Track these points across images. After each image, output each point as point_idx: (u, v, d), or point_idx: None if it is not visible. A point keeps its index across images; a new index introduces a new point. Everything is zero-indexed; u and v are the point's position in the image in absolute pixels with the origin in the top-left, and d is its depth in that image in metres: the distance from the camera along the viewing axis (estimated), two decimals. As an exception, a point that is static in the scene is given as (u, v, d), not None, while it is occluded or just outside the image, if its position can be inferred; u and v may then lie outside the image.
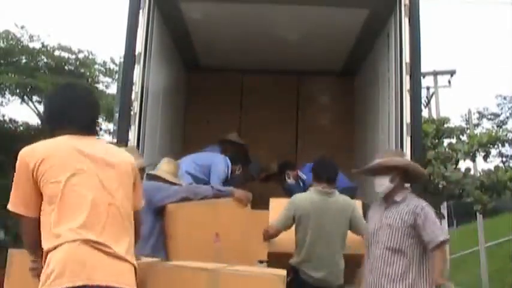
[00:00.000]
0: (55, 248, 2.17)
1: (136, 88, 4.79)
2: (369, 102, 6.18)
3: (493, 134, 10.77)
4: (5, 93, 15.27)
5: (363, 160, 5.28)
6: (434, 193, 9.37)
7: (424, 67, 6.22)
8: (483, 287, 13.46)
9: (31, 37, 14.79)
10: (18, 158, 2.29)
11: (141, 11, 4.88)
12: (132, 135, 4.70)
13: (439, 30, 53.17)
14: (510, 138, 11.92)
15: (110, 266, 2.20)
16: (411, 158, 4.48)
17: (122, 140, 4.65)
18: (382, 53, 5.58)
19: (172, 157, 5.20)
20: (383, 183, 3.57)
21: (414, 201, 3.52)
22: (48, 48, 14.92)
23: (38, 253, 2.28)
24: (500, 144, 11.19)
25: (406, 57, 4.76)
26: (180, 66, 6.80)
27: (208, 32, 6.14)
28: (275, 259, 4.08)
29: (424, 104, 15.87)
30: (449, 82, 18.25)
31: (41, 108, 15.31)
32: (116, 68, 15.01)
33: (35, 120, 15.75)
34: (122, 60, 5.82)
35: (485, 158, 10.55)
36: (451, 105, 49.84)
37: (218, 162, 5.21)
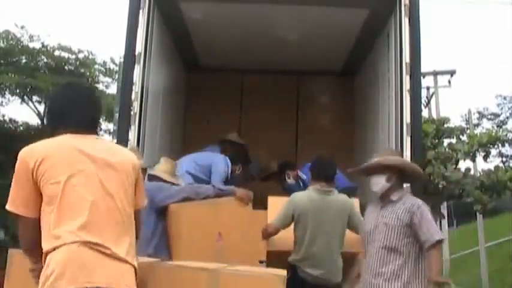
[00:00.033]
0: (54, 249, 2.16)
1: (136, 88, 4.79)
2: (369, 102, 6.18)
3: (493, 134, 10.76)
4: (5, 93, 15.27)
5: (363, 160, 5.25)
6: (434, 193, 9.37)
7: (424, 67, 6.23)
8: (483, 287, 13.45)
9: (31, 37, 14.80)
10: (18, 158, 2.27)
11: (141, 11, 4.88)
12: (132, 135, 4.70)
13: (439, 30, 53.21)
14: (510, 138, 11.92)
15: (109, 268, 2.19)
16: (411, 158, 4.49)
17: (121, 140, 4.65)
18: (382, 53, 5.58)
19: (172, 157, 5.21)
20: (379, 182, 3.57)
21: (410, 200, 3.53)
22: (48, 48, 14.92)
23: (36, 254, 2.27)
24: (500, 144, 11.19)
25: (406, 57, 4.76)
26: (180, 66, 6.80)
27: (208, 32, 6.14)
28: (274, 257, 4.11)
29: (424, 104, 15.87)
30: (449, 82, 18.28)
31: (41, 108, 15.33)
32: (116, 68, 15.01)
33: (35, 120, 15.76)
34: (122, 60, 5.83)
35: (485, 158, 10.55)
36: (451, 105, 49.90)
37: (218, 162, 5.21)
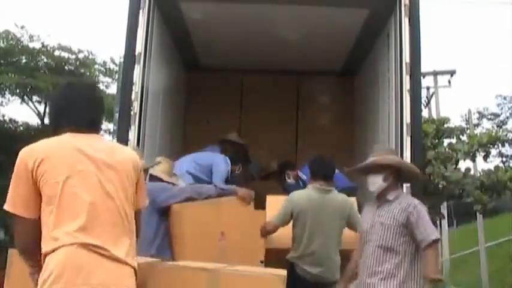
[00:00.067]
0: (53, 251, 2.16)
1: (136, 88, 4.79)
2: (369, 102, 6.18)
3: (493, 134, 10.76)
4: (5, 93, 15.27)
5: (363, 160, 5.27)
6: (434, 193, 9.38)
7: (424, 67, 6.23)
8: (483, 287, 13.45)
9: (31, 37, 14.80)
10: (18, 158, 2.27)
11: (141, 11, 4.87)
12: (132, 135, 4.70)
13: (439, 30, 53.21)
14: (510, 138, 11.92)
15: (108, 269, 2.18)
16: (411, 158, 4.49)
17: (122, 140, 4.65)
18: (382, 53, 5.58)
19: (172, 157, 5.22)
20: (376, 182, 3.57)
21: (407, 200, 3.53)
22: (48, 48, 14.92)
23: (33, 255, 2.26)
24: (500, 144, 11.19)
25: (406, 57, 4.75)
26: (180, 66, 6.80)
27: (208, 32, 6.14)
28: (273, 255, 4.13)
29: (424, 104, 15.88)
30: (449, 82, 18.29)
31: (41, 108, 15.35)
32: (116, 68, 15.02)
33: (35, 120, 15.77)
34: (122, 60, 5.82)
35: (485, 158, 10.55)
36: (451, 105, 49.94)
37: (219, 162, 5.22)
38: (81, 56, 15.47)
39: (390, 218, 3.45)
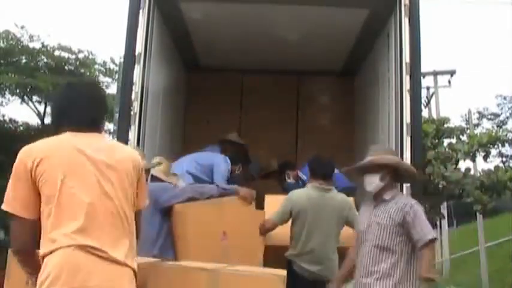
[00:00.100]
0: (51, 252, 2.15)
1: (136, 88, 4.78)
2: (369, 102, 6.18)
3: (493, 134, 10.76)
4: (5, 93, 15.27)
5: (363, 160, 5.29)
6: (434, 193, 9.37)
7: (424, 67, 6.23)
8: (483, 287, 13.44)
9: (31, 37, 14.80)
10: (17, 157, 2.25)
11: (141, 11, 4.87)
12: (132, 135, 4.70)
13: (439, 30, 53.21)
14: (510, 138, 11.91)
15: (106, 271, 2.17)
16: (411, 158, 4.50)
17: (122, 140, 4.65)
18: (382, 53, 5.57)
19: (172, 157, 5.23)
20: (373, 182, 3.57)
21: (403, 200, 3.53)
22: (48, 48, 14.92)
23: (30, 255, 2.24)
24: (500, 144, 11.18)
25: (406, 57, 4.75)
26: (180, 66, 6.80)
27: (208, 32, 6.14)
28: (271, 252, 4.15)
29: (424, 104, 15.88)
30: (449, 82, 18.32)
31: (41, 108, 15.36)
32: (116, 68, 15.02)
33: (35, 120, 15.77)
34: (122, 60, 5.82)
35: (485, 158, 10.55)
36: (451, 105, 49.95)
37: (220, 162, 5.22)
38: (81, 56, 15.48)
39: (387, 218, 3.46)
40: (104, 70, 15.93)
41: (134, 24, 4.84)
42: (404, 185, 4.25)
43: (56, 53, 15.05)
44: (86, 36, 42.48)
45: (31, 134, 13.79)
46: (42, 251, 2.19)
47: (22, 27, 14.71)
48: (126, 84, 4.90)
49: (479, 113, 29.95)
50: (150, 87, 5.03)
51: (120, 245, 2.24)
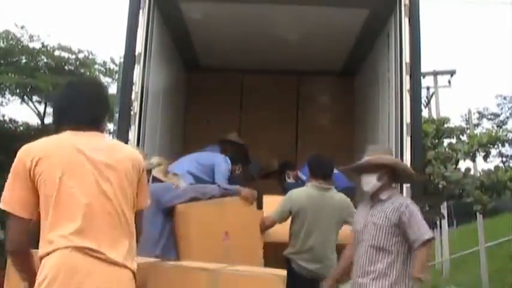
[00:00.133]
0: (48, 254, 2.14)
1: (136, 88, 4.79)
2: (369, 102, 6.18)
3: (493, 134, 10.75)
4: (5, 93, 15.26)
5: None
6: (434, 193, 9.36)
7: (424, 67, 6.22)
8: (483, 287, 13.43)
9: (31, 37, 14.78)
10: (16, 156, 2.24)
11: (141, 11, 4.87)
12: (132, 135, 4.70)
13: (439, 30, 53.21)
14: (510, 138, 11.90)
15: (104, 273, 2.15)
16: (411, 158, 4.50)
17: (121, 140, 4.64)
18: (382, 53, 5.57)
19: (172, 157, 5.23)
20: (370, 182, 3.57)
21: (399, 200, 3.53)
22: (48, 48, 14.90)
23: (25, 255, 2.23)
24: (500, 144, 11.17)
25: (406, 57, 4.75)
26: (180, 66, 6.80)
27: (208, 32, 6.14)
28: (271, 249, 4.18)
29: (424, 104, 15.88)
30: (449, 82, 18.30)
31: (41, 108, 15.35)
32: (116, 68, 15.01)
33: (35, 120, 15.75)
34: (122, 60, 5.82)
35: (485, 158, 10.53)
36: (451, 105, 49.90)
37: (220, 162, 5.23)
38: (81, 56, 15.46)
39: (383, 218, 3.46)
40: (104, 70, 15.91)
41: (134, 24, 4.84)
42: (404, 185, 4.26)
43: (56, 53, 15.04)
44: (86, 36, 42.50)
45: (31, 134, 13.76)
46: (40, 252, 2.18)
47: (22, 27, 14.70)
48: (126, 84, 4.90)
49: (479, 113, 29.95)
50: (150, 87, 5.03)
51: (119, 246, 2.22)
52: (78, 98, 2.41)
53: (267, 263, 4.01)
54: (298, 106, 7.29)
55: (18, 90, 14.95)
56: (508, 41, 46.62)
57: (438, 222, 15.06)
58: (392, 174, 3.61)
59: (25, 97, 15.25)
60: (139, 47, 4.83)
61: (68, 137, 2.31)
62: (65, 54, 15.21)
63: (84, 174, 2.23)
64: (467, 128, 12.89)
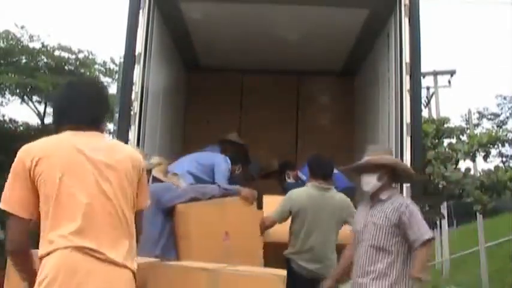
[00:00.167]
0: (48, 254, 2.14)
1: (136, 88, 4.79)
2: (369, 102, 6.18)
3: (493, 134, 10.75)
4: (5, 93, 15.26)
5: (363, 160, 5.29)
6: (434, 193, 9.36)
7: (424, 67, 6.22)
8: (483, 287, 13.43)
9: (31, 37, 14.78)
10: (16, 156, 2.24)
11: (141, 11, 4.87)
12: (132, 135, 4.70)
13: (439, 30, 53.21)
14: (510, 138, 11.90)
15: (103, 273, 2.15)
16: (411, 158, 4.50)
17: (121, 140, 4.64)
18: (382, 53, 5.57)
19: (172, 157, 5.23)
20: (370, 182, 3.57)
21: (399, 200, 3.52)
22: (48, 48, 14.91)
23: (25, 255, 2.22)
24: (500, 144, 11.17)
25: (406, 57, 4.75)
26: (180, 66, 6.80)
27: (208, 32, 6.14)
28: (271, 249, 4.20)
29: (424, 104, 15.87)
30: (449, 82, 18.30)
31: (41, 108, 15.36)
32: (116, 68, 15.01)
33: (35, 120, 15.76)
34: (122, 60, 5.82)
35: (485, 158, 10.53)
36: (451, 105, 49.89)
37: (220, 162, 5.23)
38: (81, 56, 15.46)
39: (383, 218, 3.45)
40: (104, 70, 15.92)
41: (134, 24, 4.84)
42: (404, 185, 4.26)
43: (56, 53, 15.04)
44: (86, 36, 42.50)
45: (31, 134, 13.77)
46: (40, 252, 2.18)
47: (22, 27, 14.70)
48: (126, 84, 4.90)
49: (479, 113, 29.96)
50: (150, 87, 5.03)
51: (119, 246, 2.22)
52: (78, 98, 2.40)
53: (267, 263, 4.01)
54: (298, 106, 7.29)
55: (18, 90, 14.96)
56: (508, 41, 46.64)
57: (438, 222, 15.05)
58: (392, 174, 3.60)
59: (25, 97, 15.26)
60: (139, 47, 4.83)
61: (68, 137, 2.31)
62: (65, 54, 15.21)
63: (84, 174, 2.23)
64: (467, 128, 12.89)
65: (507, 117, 29.61)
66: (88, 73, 15.30)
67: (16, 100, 15.47)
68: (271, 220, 4.38)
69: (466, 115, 22.30)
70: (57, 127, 2.40)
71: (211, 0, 5.55)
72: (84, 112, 2.37)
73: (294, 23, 5.86)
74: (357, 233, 3.62)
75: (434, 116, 15.12)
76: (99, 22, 51.77)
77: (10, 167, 2.27)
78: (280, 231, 4.44)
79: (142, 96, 4.84)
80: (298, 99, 7.30)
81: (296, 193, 4.51)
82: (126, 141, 4.63)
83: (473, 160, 10.84)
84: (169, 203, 3.92)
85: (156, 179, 4.14)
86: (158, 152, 5.27)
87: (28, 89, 14.71)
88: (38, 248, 2.22)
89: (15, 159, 2.24)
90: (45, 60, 14.96)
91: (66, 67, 15.16)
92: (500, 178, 9.92)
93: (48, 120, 14.99)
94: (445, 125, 10.61)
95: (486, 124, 28.65)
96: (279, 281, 2.52)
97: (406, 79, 4.73)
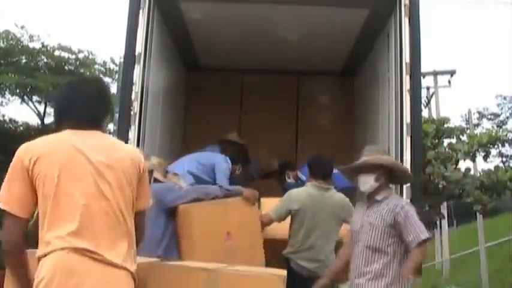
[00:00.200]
0: (45, 255, 2.13)
1: (136, 88, 4.78)
2: (369, 102, 6.18)
3: (493, 134, 10.75)
4: (5, 93, 15.29)
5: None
6: (434, 193, 9.36)
7: (424, 67, 6.22)
8: (483, 287, 13.42)
9: (31, 37, 14.82)
10: (15, 155, 2.22)
11: (141, 11, 4.87)
12: (132, 135, 4.70)
13: (439, 30, 53.22)
14: (510, 138, 11.90)
15: (101, 274, 2.13)
16: (411, 158, 4.50)
17: (121, 140, 4.63)
18: (382, 53, 5.57)
19: (172, 157, 5.22)
20: (368, 182, 3.56)
21: (394, 201, 3.51)
22: (48, 48, 14.94)
23: (20, 254, 2.20)
24: (500, 144, 11.17)
25: (406, 57, 4.75)
26: (180, 66, 6.79)
27: (208, 32, 6.14)
28: (269, 246, 4.21)
29: (424, 104, 15.87)
30: (449, 82, 18.29)
31: (41, 108, 15.38)
32: (116, 68, 15.04)
33: (35, 120, 15.79)
34: (122, 60, 5.82)
35: (485, 158, 10.54)
36: (451, 105, 49.95)
37: (221, 162, 5.23)
38: (81, 56, 15.50)
39: (378, 219, 3.45)
40: (104, 70, 15.95)
41: (134, 24, 4.84)
42: (405, 186, 4.26)
43: (56, 53, 15.07)
44: (86, 36, 42.52)
45: (31, 134, 13.78)
46: (38, 252, 2.16)
47: (22, 27, 14.74)
48: (126, 84, 4.89)
49: (479, 113, 30.02)
50: (150, 87, 5.03)
51: (117, 247, 2.20)
52: (78, 97, 2.39)
53: (266, 261, 4.04)
54: (298, 106, 7.29)
55: (18, 90, 14.99)
56: (508, 41, 46.68)
57: (438, 222, 15.05)
58: (389, 175, 3.60)
59: (25, 97, 15.29)
60: (139, 47, 4.82)
61: (67, 136, 2.29)
62: (65, 54, 15.25)
63: (82, 174, 2.21)
64: (467, 128, 12.89)
65: (507, 117, 29.70)
66: (88, 73, 15.33)
67: (16, 100, 15.52)
68: (269, 218, 4.40)
69: (466, 115, 22.35)
70: (57, 126, 2.38)
71: (211, 0, 5.55)
72: (84, 111, 2.35)
73: (294, 23, 5.86)
74: (354, 233, 3.61)
75: (434, 116, 15.12)
76: (99, 22, 51.80)
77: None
78: (278, 229, 4.45)
79: (142, 96, 4.84)
80: (298, 99, 7.30)
81: (295, 193, 4.53)
82: (126, 141, 4.62)
83: (473, 160, 10.85)
84: (172, 203, 3.93)
85: (155, 180, 4.14)
86: (158, 152, 5.27)
87: (28, 89, 14.74)
88: (33, 248, 2.22)
89: (14, 158, 2.22)
90: (45, 60, 14.99)
91: (66, 67, 15.19)
92: (500, 178, 9.92)
93: (48, 120, 15.00)
94: (445, 125, 10.61)
95: (486, 124, 28.75)
96: (279, 281, 2.52)
97: (406, 79, 4.73)
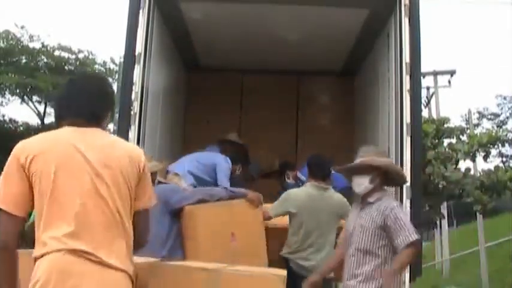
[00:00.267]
0: (42, 256, 2.11)
1: (136, 88, 4.78)
2: (369, 102, 6.18)
3: (493, 134, 10.74)
4: (5, 93, 15.30)
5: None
6: (434, 193, 9.36)
7: (424, 67, 6.22)
8: (483, 287, 13.42)
9: (31, 37, 14.85)
10: (11, 153, 2.20)
11: (141, 11, 4.87)
12: (132, 135, 4.70)
13: (439, 30, 53.23)
14: (510, 138, 11.91)
15: (97, 275, 2.10)
16: (411, 158, 4.50)
17: (121, 140, 4.64)
18: (382, 53, 5.57)
19: (172, 157, 5.22)
20: (362, 183, 3.52)
21: (385, 203, 3.45)
22: (48, 48, 14.95)
23: (12, 252, 2.14)
24: (500, 144, 11.17)
25: (406, 57, 4.75)
26: (180, 66, 6.80)
27: (208, 32, 6.14)
28: (269, 234, 4.28)
29: (424, 104, 15.87)
30: (449, 82, 18.27)
31: (41, 108, 15.37)
32: (116, 68, 15.04)
33: (35, 120, 15.80)
34: (122, 60, 5.82)
35: (485, 158, 10.53)
36: (451, 105, 50.00)
37: (221, 162, 5.23)
38: (81, 56, 15.52)
39: (369, 221, 3.42)
40: (104, 70, 15.95)
41: (134, 24, 4.84)
42: (405, 186, 4.25)
43: (56, 53, 15.09)
44: (86, 36, 42.54)
45: (31, 134, 13.76)
46: (34, 253, 2.14)
47: (22, 27, 14.77)
48: (126, 84, 4.90)
49: (479, 113, 30.04)
50: (150, 87, 5.03)
51: (115, 248, 2.17)
52: (79, 93, 2.36)
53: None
54: (298, 106, 7.29)
55: (18, 90, 15.00)
56: (508, 41, 46.70)
57: (438, 222, 15.04)
58: (384, 177, 3.55)
59: (25, 97, 15.30)
60: (139, 47, 4.82)
61: (65, 134, 2.26)
62: (65, 54, 15.27)
63: (79, 172, 2.18)
64: (467, 128, 12.88)
65: (507, 117, 29.71)
66: (88, 73, 15.31)
67: (16, 100, 15.53)
68: (267, 216, 4.45)
69: (466, 115, 22.36)
70: (58, 122, 2.36)
71: (211, 0, 5.55)
72: (84, 107, 2.32)
73: (294, 23, 5.86)
74: (347, 234, 3.60)
75: (434, 116, 15.10)
76: (99, 22, 51.81)
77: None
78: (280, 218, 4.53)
79: (142, 96, 4.84)
80: (298, 99, 7.30)
81: (294, 193, 4.55)
82: (126, 141, 4.63)
83: (473, 160, 10.84)
84: (178, 204, 3.95)
85: (159, 182, 4.15)
86: (158, 152, 5.28)
87: (28, 89, 14.76)
88: (31, 248, 2.20)
89: (10, 156, 2.19)
90: (45, 60, 15.00)
91: (66, 67, 15.21)
92: (500, 178, 9.91)
93: (48, 120, 14.99)
94: (445, 125, 10.60)
95: (486, 124, 28.78)
96: (279, 281, 2.52)
97: (406, 79, 4.72)
